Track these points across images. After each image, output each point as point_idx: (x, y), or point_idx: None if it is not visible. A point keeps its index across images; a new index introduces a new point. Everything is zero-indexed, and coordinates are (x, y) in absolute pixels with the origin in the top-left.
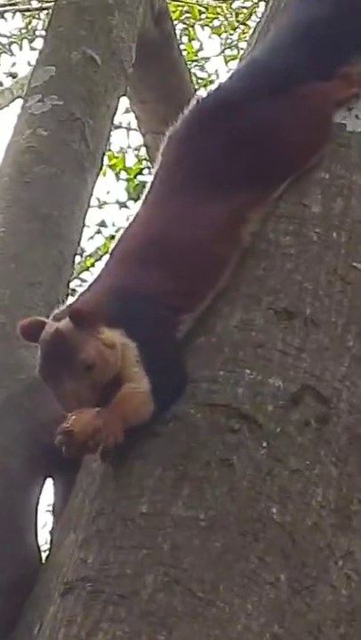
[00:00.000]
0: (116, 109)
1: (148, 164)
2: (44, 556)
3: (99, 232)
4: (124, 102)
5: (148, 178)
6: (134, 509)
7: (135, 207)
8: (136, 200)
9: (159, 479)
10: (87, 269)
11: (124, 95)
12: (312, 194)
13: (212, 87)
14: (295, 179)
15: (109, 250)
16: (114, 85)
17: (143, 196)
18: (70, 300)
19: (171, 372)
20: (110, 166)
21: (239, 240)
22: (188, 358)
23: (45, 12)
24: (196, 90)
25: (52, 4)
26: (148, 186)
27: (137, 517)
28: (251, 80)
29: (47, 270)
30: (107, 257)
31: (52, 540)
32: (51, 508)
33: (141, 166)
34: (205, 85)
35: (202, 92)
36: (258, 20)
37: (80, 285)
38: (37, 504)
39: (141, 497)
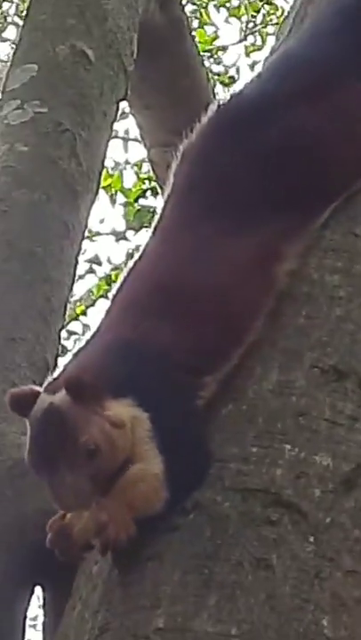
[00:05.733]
0: (115, 118)
1: (152, 184)
2: None
3: (91, 271)
4: (123, 107)
5: (151, 202)
6: (148, 624)
7: (136, 239)
8: (137, 230)
9: (179, 585)
10: (76, 318)
11: (123, 99)
12: None
13: (236, 89)
14: (343, 202)
15: (110, 295)
16: (111, 87)
17: (152, 228)
18: (63, 361)
19: (191, 448)
20: (104, 187)
21: (273, 281)
22: (212, 431)
23: None
24: (213, 90)
25: None
26: (157, 214)
27: (152, 634)
28: (284, 80)
29: (31, 322)
30: (103, 303)
31: None
32: (40, 625)
33: (143, 187)
34: (223, 83)
35: (221, 95)
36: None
37: (66, 338)
38: (24, 622)
39: (157, 608)
